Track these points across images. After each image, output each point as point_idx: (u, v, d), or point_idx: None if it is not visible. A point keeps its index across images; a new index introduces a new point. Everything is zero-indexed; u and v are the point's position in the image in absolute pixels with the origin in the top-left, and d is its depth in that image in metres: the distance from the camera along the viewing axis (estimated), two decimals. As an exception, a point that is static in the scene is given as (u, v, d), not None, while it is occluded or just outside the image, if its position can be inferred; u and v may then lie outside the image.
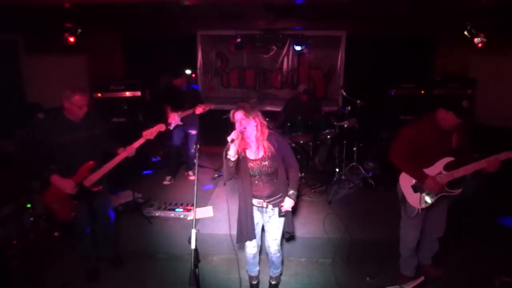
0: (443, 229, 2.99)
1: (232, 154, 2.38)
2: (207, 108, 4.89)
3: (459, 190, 2.74)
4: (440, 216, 2.95)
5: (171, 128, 4.92)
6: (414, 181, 2.81)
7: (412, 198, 2.82)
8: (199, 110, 4.83)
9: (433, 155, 2.71)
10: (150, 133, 3.13)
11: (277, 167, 2.62)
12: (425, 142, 2.67)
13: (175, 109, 4.90)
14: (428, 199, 2.76)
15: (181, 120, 4.92)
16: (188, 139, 5.16)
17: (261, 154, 2.59)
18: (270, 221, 2.76)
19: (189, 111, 4.85)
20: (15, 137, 4.38)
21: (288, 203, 2.66)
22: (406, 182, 2.85)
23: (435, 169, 2.71)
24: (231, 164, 2.41)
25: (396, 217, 3.12)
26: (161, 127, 3.21)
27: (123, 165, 3.16)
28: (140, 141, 3.13)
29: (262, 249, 3.05)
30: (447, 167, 2.68)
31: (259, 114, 2.56)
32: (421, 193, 2.77)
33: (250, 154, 2.61)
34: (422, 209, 2.79)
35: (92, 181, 2.99)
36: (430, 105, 5.77)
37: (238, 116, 2.52)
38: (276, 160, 2.60)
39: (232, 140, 2.35)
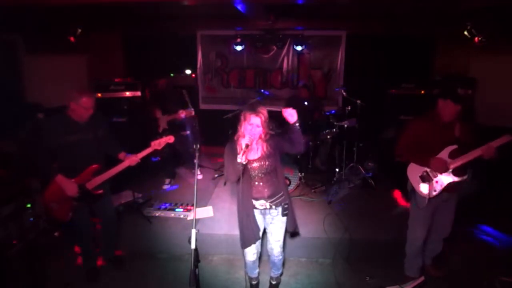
0: (450, 229, 3.00)
1: (244, 158, 2.36)
2: (189, 115, 4.80)
3: (465, 177, 2.78)
4: (448, 216, 2.97)
5: (160, 131, 4.89)
6: (421, 171, 2.84)
7: (421, 188, 2.86)
8: (181, 116, 4.75)
9: (437, 147, 2.76)
10: (158, 144, 3.12)
11: (275, 165, 2.62)
12: (429, 135, 2.76)
13: (163, 112, 4.90)
14: (437, 187, 2.79)
15: (168, 123, 4.87)
16: (182, 141, 5.13)
17: (260, 153, 2.59)
18: (273, 222, 2.73)
19: (172, 117, 4.81)
20: (15, 137, 4.38)
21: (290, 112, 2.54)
22: (413, 173, 2.90)
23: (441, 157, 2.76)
24: (241, 167, 2.39)
25: (397, 217, 3.12)
26: (169, 139, 3.19)
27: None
28: (147, 151, 3.12)
29: (262, 252, 3.04)
30: (452, 155, 2.73)
31: (268, 122, 2.56)
32: (429, 182, 2.81)
33: (250, 155, 2.59)
34: (431, 199, 2.82)
35: (94, 184, 3.00)
36: (432, 105, 5.77)
37: (255, 121, 2.47)
38: (274, 158, 2.60)
39: (247, 145, 2.35)
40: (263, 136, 2.54)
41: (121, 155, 3.13)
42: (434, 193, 2.81)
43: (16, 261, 3.46)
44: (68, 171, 2.90)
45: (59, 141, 2.85)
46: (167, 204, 4.35)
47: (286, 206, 2.67)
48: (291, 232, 2.89)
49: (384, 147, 5.58)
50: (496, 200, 4.49)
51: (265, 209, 2.68)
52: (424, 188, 2.84)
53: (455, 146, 2.71)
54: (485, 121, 4.96)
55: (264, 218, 2.75)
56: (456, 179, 2.76)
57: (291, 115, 2.54)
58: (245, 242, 2.66)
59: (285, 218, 2.72)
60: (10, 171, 3.95)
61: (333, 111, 5.44)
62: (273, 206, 2.67)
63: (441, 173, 2.76)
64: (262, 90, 5.95)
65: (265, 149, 2.58)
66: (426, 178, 2.83)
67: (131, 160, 3.08)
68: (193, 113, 4.90)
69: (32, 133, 4.47)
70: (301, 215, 4.13)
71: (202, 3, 4.54)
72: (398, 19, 5.67)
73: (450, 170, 2.74)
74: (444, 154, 2.75)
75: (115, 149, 3.16)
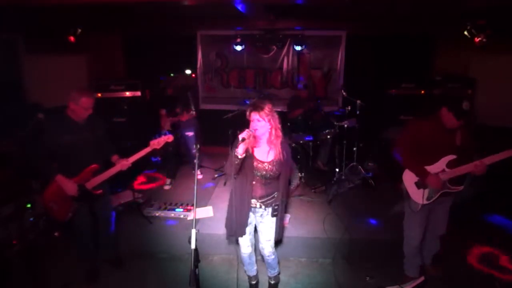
0: (446, 227, 3.00)
1: (240, 152, 2.35)
2: (190, 117, 4.97)
3: (461, 187, 2.77)
4: (443, 214, 2.96)
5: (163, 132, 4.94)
6: (417, 178, 2.83)
7: (415, 194, 2.85)
8: (185, 117, 4.88)
9: (437, 153, 2.74)
10: (157, 143, 3.12)
11: (280, 173, 2.62)
12: (430, 139, 2.71)
13: (168, 114, 4.96)
14: (431, 195, 2.79)
15: (171, 125, 4.96)
16: (186, 141, 5.16)
17: (271, 157, 2.56)
18: (262, 221, 2.74)
19: (175, 119, 4.90)
20: (15, 137, 4.38)
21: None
22: (409, 178, 2.89)
23: (438, 166, 2.74)
24: (237, 162, 2.40)
25: (395, 217, 3.13)
26: (168, 138, 3.18)
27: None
28: (146, 150, 3.11)
29: (257, 249, 3.04)
30: (450, 165, 2.71)
31: (276, 117, 2.52)
32: (424, 189, 2.80)
33: (259, 154, 2.57)
34: (425, 204, 2.82)
35: (93, 184, 3.00)
36: (431, 104, 5.78)
37: (254, 116, 2.46)
38: (282, 167, 2.59)
39: (243, 139, 2.32)
40: (273, 132, 2.50)
41: (114, 158, 3.13)
42: (428, 201, 2.81)
43: (16, 261, 3.46)
44: (67, 171, 2.90)
45: (58, 141, 2.85)
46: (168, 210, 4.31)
47: (276, 207, 2.66)
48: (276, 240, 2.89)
49: (384, 147, 5.58)
50: (497, 201, 4.50)
51: (255, 207, 2.68)
52: (418, 194, 2.83)
53: (454, 156, 2.69)
54: (485, 121, 4.96)
55: (255, 215, 2.76)
56: (451, 189, 2.76)
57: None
58: (232, 233, 2.68)
59: (274, 218, 2.71)
60: (10, 171, 3.95)
61: (336, 112, 5.43)
62: (263, 206, 2.66)
63: (436, 188, 2.75)
64: (258, 90, 6.00)
65: (278, 153, 2.54)
66: (421, 185, 2.81)
67: (122, 165, 3.06)
68: (194, 114, 4.99)
69: (32, 133, 4.47)
70: (301, 215, 4.14)
71: (202, 3, 4.54)
72: (398, 19, 5.67)
73: (446, 180, 2.73)
74: (442, 163, 2.72)
75: (110, 151, 3.16)
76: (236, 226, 2.65)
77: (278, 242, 3.12)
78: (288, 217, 2.80)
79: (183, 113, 4.86)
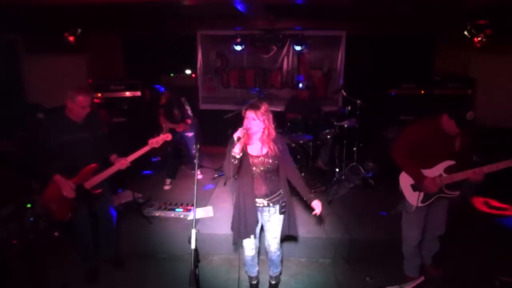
0: (444, 226, 3.00)
1: (237, 152, 2.38)
2: (185, 128, 5.00)
3: (457, 193, 2.77)
4: (441, 214, 2.96)
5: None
6: (413, 180, 2.82)
7: (411, 196, 2.85)
8: (181, 127, 4.91)
9: (435, 157, 2.72)
10: (155, 142, 3.10)
11: (278, 165, 2.63)
12: (428, 143, 2.69)
13: (166, 118, 4.95)
14: (426, 198, 2.79)
15: (170, 130, 4.95)
16: (186, 141, 5.15)
17: (265, 151, 2.59)
18: (270, 219, 2.74)
19: (173, 126, 4.90)
20: (15, 137, 4.38)
21: (318, 206, 2.67)
22: (406, 180, 2.88)
23: (436, 171, 2.73)
24: (236, 162, 2.42)
25: (394, 217, 3.13)
26: (167, 137, 3.17)
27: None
28: (145, 149, 3.10)
29: (261, 250, 3.05)
30: (448, 170, 2.70)
31: (271, 117, 2.56)
32: (419, 192, 2.80)
33: (253, 150, 2.60)
34: (419, 206, 2.82)
35: (92, 184, 3.00)
36: (432, 105, 5.79)
37: (249, 114, 2.50)
38: (278, 159, 2.61)
39: (239, 138, 2.36)
40: (265, 132, 2.53)
41: (113, 157, 3.12)
42: (423, 204, 2.81)
43: (16, 261, 3.46)
44: (67, 170, 2.90)
45: (58, 141, 2.85)
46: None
47: (283, 204, 2.68)
48: (289, 235, 2.88)
49: (384, 147, 5.59)
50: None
51: (263, 206, 2.68)
52: (413, 196, 2.83)
53: (453, 162, 2.68)
54: (485, 122, 4.97)
55: (262, 215, 2.75)
56: (447, 194, 2.76)
57: (318, 207, 2.66)
58: (240, 236, 2.67)
59: (282, 216, 2.72)
60: (10, 171, 3.95)
61: (336, 112, 5.43)
62: (271, 204, 2.67)
63: (432, 191, 2.74)
64: (255, 90, 6.01)
65: (272, 148, 2.57)
66: (417, 188, 2.81)
67: (121, 164, 3.04)
68: (189, 122, 5.00)
69: (32, 133, 4.47)
70: (301, 215, 4.13)
71: (202, 3, 4.54)
72: (398, 19, 5.67)
73: (443, 185, 2.73)
74: (440, 168, 2.72)
75: (109, 150, 3.15)
76: (244, 228, 2.64)
77: (292, 238, 3.11)
78: (318, 205, 2.67)
79: (179, 122, 4.88)
